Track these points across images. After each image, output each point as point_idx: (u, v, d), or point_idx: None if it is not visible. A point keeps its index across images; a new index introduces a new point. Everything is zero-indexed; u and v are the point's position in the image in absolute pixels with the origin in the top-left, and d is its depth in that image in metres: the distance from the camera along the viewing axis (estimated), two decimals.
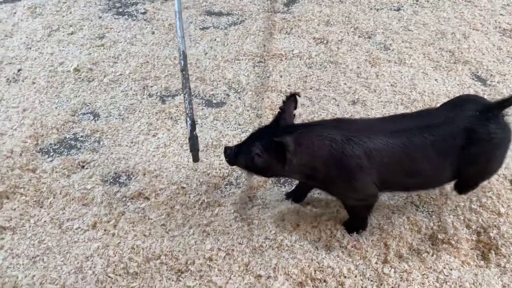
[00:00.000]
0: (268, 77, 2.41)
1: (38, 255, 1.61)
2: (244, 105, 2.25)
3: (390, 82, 2.36)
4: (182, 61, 1.74)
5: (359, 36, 2.68)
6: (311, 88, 2.33)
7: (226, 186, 1.88)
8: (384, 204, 1.76)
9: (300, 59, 2.51)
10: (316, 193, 1.82)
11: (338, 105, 2.23)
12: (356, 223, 1.68)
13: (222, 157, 1.98)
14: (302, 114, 2.17)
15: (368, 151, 1.47)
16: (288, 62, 2.50)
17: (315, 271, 1.55)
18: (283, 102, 1.59)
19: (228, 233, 1.69)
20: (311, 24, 2.75)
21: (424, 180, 1.60)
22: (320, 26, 2.74)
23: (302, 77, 2.39)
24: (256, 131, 1.62)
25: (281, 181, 1.90)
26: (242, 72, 2.44)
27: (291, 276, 1.53)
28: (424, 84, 2.33)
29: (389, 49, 2.58)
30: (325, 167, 1.50)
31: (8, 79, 2.38)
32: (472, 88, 2.30)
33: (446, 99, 1.91)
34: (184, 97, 1.74)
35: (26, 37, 2.66)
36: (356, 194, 1.57)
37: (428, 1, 3.00)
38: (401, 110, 2.17)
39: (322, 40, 2.64)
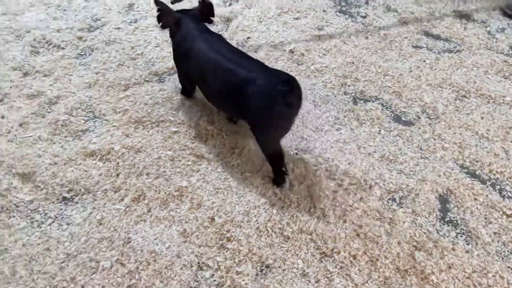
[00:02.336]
0: (468, 114, 2.32)
1: (221, 188, 1.97)
2: (433, 133, 2.24)
3: None
4: None
5: None
6: None
7: (389, 201, 1.94)
8: None
9: (510, 108, 2.34)
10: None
11: None
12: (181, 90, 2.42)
13: (394, 172, 2.05)
14: (493, 164, 2.06)
15: (196, 49, 2.02)
16: (495, 107, 2.35)
17: None
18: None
19: (377, 243, 1.77)
20: None
21: (212, 96, 2.09)
22: None
23: (506, 127, 2.24)
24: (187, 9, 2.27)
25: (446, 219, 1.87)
26: (442, 101, 2.41)
27: None
28: None
29: None
30: (173, 40, 2.20)
31: (238, 43, 2.84)
32: None
33: None
34: None
35: (261, 12, 3.09)
36: (177, 67, 2.30)
37: None
38: None
39: None
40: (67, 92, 2.42)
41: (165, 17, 2.13)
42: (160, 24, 2.14)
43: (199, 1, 2.19)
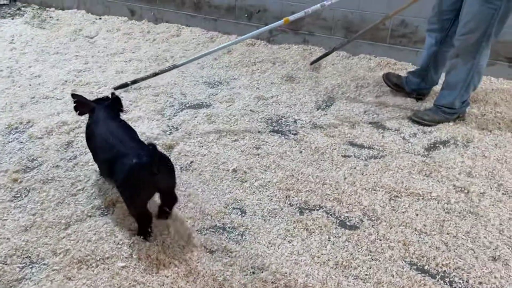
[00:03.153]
0: (403, 212, 2.51)
1: None
2: (377, 234, 2.35)
3: None
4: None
5: (503, 193, 2.66)
6: (448, 233, 2.34)
7: None
8: None
9: (438, 203, 2.58)
10: None
11: (476, 258, 2.18)
12: None
13: (350, 279, 2.07)
14: (437, 257, 2.18)
15: (97, 130, 2.39)
16: (425, 203, 2.58)
17: None
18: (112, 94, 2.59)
19: None
20: (451, 172, 2.85)
21: (100, 168, 2.61)
22: (461, 176, 2.81)
23: (439, 221, 2.43)
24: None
25: None
26: (378, 202, 2.59)
27: None
28: None
29: None
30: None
31: (181, 167, 2.93)
32: None
33: None
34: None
35: (201, 137, 3.28)
36: (88, 147, 2.64)
37: None
38: None
39: (463, 189, 2.69)
40: (0, 239, 2.23)
41: (81, 107, 2.52)
42: (78, 112, 2.53)
43: (111, 93, 2.60)
